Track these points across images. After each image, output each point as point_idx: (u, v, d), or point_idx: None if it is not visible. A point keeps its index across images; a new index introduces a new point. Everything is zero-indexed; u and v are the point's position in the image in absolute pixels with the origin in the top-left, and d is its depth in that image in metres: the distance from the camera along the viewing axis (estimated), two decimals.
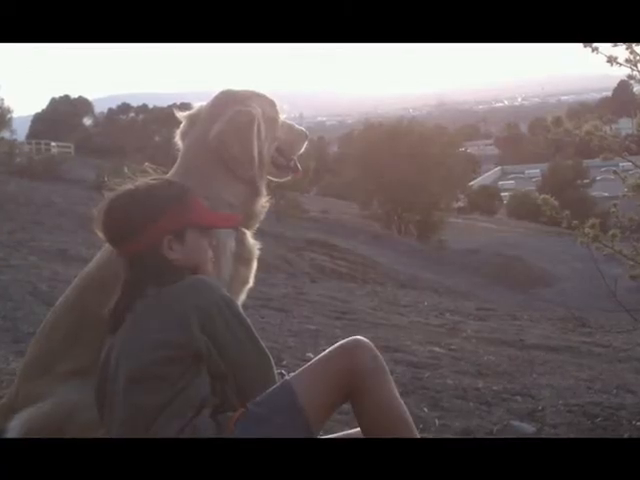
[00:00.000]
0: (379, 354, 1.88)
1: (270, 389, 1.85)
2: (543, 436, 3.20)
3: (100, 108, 62.06)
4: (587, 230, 3.45)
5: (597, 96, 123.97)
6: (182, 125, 2.52)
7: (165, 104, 48.87)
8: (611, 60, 3.38)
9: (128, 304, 1.92)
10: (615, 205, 3.54)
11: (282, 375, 1.93)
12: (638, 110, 3.49)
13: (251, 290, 2.46)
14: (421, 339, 5.82)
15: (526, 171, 76.05)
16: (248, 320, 1.92)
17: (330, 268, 16.97)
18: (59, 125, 50.73)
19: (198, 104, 2.55)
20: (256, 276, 2.46)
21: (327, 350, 1.90)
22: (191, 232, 1.98)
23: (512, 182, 70.22)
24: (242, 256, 2.38)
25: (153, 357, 1.82)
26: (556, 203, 3.53)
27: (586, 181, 47.24)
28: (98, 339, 2.00)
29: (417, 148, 31.66)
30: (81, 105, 57.74)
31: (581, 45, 3.25)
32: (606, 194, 37.26)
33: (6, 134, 39.41)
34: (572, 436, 3.18)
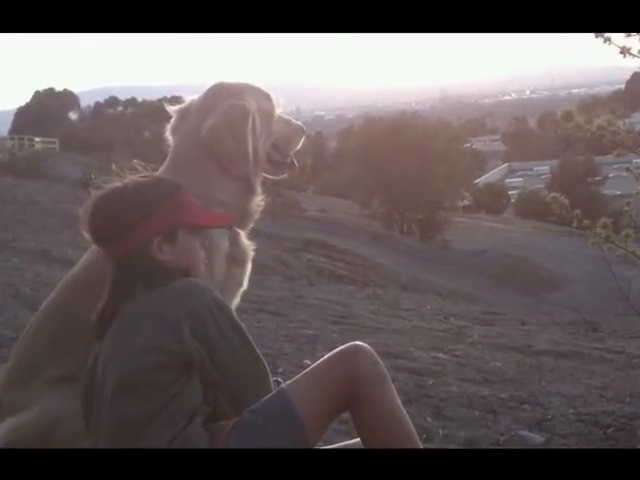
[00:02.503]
0: (380, 360, 1.88)
1: (265, 397, 1.85)
2: (552, 447, 3.20)
3: (86, 102, 62.06)
4: (599, 230, 3.46)
5: (609, 89, 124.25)
6: (173, 120, 2.51)
7: (155, 97, 48.93)
8: (624, 51, 3.39)
9: (116, 307, 1.91)
10: (628, 204, 3.55)
11: (278, 383, 1.93)
12: None
13: (245, 293, 2.46)
14: (424, 345, 5.82)
15: (534, 168, 76.08)
16: (242, 324, 1.91)
17: (328, 270, 16.99)
18: (43, 119, 50.72)
19: (190, 97, 2.55)
20: (251, 278, 2.46)
21: (325, 356, 1.90)
22: (182, 232, 1.98)
23: (520, 179, 70.23)
24: (236, 257, 2.38)
25: (142, 363, 1.81)
26: (566, 202, 3.54)
27: (598, 179, 47.28)
28: (85, 344, 2.00)
29: (419, 144, 31.74)
30: (66, 98, 57.74)
31: (592, 35, 3.26)
32: (619, 192, 37.29)
33: None
34: (583, 447, 3.18)
